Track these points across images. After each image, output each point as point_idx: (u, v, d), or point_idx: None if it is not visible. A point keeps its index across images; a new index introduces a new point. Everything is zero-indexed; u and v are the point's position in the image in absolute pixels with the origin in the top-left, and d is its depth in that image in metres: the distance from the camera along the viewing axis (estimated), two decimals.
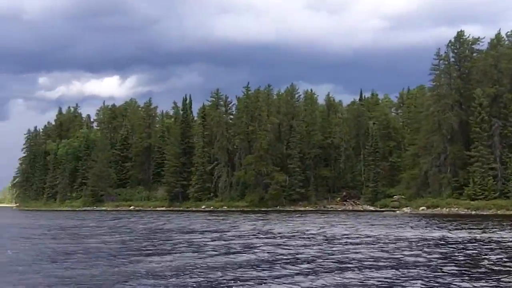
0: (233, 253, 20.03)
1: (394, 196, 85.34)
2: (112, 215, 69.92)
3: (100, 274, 14.55)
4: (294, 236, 28.89)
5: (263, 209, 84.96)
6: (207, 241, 25.26)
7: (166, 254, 19.17)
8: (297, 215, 61.62)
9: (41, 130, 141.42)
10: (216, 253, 19.95)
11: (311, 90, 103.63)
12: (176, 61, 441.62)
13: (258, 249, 21.72)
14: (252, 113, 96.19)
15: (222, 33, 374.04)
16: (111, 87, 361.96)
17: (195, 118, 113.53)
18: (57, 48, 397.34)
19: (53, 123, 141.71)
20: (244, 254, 19.42)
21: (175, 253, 19.75)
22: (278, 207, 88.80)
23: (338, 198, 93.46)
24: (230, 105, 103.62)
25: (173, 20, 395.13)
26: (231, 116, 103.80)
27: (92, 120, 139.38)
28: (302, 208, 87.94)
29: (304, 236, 29.28)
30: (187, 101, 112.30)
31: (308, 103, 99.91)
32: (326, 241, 25.33)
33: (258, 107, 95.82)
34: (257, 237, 27.96)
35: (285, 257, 18.63)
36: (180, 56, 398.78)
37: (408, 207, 72.85)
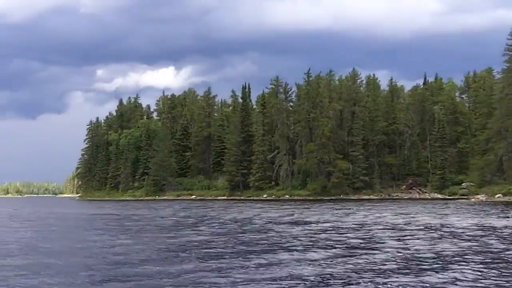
0: (368, 248, 18.19)
1: (463, 184, 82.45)
2: (180, 204, 70.19)
3: (234, 279, 12.85)
4: (412, 228, 26.29)
5: (326, 198, 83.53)
6: (320, 234, 23.42)
7: (288, 251, 17.56)
8: (372, 203, 59.74)
9: (102, 121, 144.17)
10: (349, 250, 18.04)
11: (374, 75, 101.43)
12: (230, 50, 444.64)
13: (391, 242, 19.84)
14: (313, 100, 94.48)
15: (276, 21, 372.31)
16: (167, 78, 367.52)
17: (254, 106, 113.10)
18: (114, 40, 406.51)
19: (114, 114, 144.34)
20: (378, 250, 17.47)
21: (294, 249, 18.06)
22: (341, 196, 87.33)
23: (404, 186, 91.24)
24: (290, 92, 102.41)
25: (227, 10, 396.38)
26: (291, 103, 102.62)
27: (152, 110, 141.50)
28: (366, 197, 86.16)
29: (423, 227, 26.69)
30: (247, 89, 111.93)
31: (370, 89, 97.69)
32: (463, 234, 22.87)
33: (319, 93, 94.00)
34: (371, 229, 25.76)
35: (446, 254, 16.45)
36: (234, 45, 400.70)
37: (482, 195, 70.01)
